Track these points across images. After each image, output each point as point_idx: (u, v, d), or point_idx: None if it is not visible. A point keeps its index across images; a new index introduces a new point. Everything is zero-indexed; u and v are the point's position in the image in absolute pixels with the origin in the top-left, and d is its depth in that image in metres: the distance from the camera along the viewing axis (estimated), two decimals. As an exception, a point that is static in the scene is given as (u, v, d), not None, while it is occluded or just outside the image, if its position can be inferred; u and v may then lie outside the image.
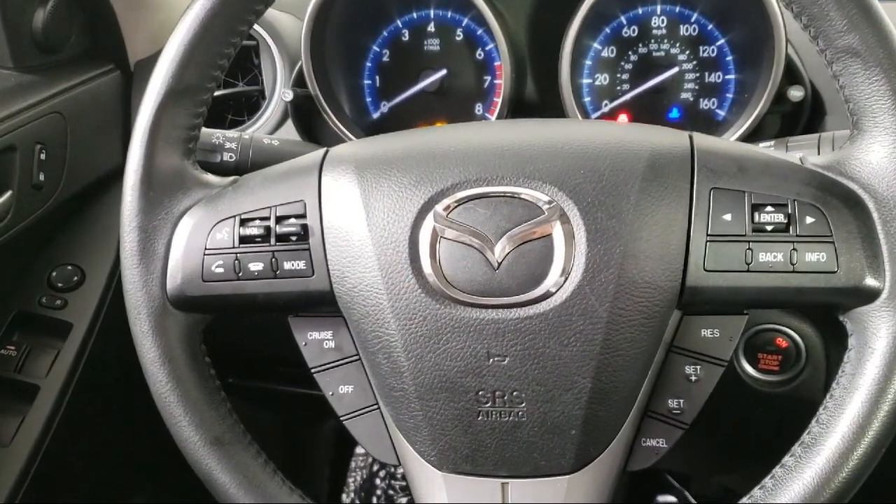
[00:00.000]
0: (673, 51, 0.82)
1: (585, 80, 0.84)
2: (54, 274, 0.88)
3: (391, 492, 1.51)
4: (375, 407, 0.55)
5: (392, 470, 1.51)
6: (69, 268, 0.88)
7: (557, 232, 0.48)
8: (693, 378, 0.52)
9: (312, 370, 0.56)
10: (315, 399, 0.87)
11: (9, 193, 0.77)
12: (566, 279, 0.47)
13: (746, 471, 0.96)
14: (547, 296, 0.48)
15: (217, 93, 0.84)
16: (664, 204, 0.48)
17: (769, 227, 0.48)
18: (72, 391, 0.83)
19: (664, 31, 0.82)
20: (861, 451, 0.47)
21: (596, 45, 0.83)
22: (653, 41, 0.82)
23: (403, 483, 1.53)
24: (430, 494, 0.53)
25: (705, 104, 0.82)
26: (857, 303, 0.48)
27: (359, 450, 1.54)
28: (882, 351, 0.47)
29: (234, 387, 1.07)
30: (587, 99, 0.84)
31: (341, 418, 0.56)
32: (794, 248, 0.47)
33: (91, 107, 0.90)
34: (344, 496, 1.49)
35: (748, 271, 0.48)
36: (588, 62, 0.83)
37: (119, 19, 0.92)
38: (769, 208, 0.48)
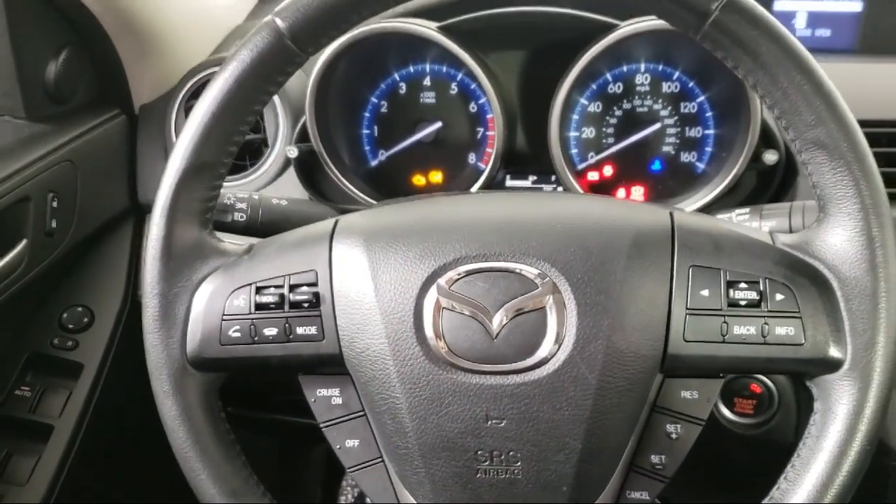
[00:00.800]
0: (655, 106, 0.86)
1: (573, 134, 0.88)
2: (65, 315, 0.91)
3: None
4: (380, 460, 0.58)
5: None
6: (79, 309, 0.91)
7: (550, 305, 0.52)
8: (674, 436, 0.55)
9: (321, 425, 0.59)
10: (306, 426, 0.91)
11: (24, 243, 0.81)
12: (559, 348, 0.51)
13: None
14: (541, 364, 0.51)
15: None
16: (648, 280, 0.52)
17: (743, 303, 0.51)
18: (84, 430, 0.86)
19: (647, 87, 0.86)
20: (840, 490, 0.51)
21: (583, 101, 0.87)
22: (637, 97, 0.87)
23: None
24: None
25: (686, 157, 0.86)
26: (821, 371, 0.51)
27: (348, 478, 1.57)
28: (843, 416, 0.50)
29: (232, 415, 1.10)
30: (574, 151, 0.88)
31: (348, 470, 0.59)
32: (765, 322, 0.51)
33: (99, 152, 0.94)
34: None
35: (723, 342, 0.52)
36: (575, 116, 0.88)
37: (125, 68, 0.95)
38: (743, 285, 0.52)
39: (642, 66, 0.85)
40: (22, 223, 0.81)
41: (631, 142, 0.86)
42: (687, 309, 0.52)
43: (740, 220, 0.64)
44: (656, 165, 0.87)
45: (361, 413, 0.58)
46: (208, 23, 1.06)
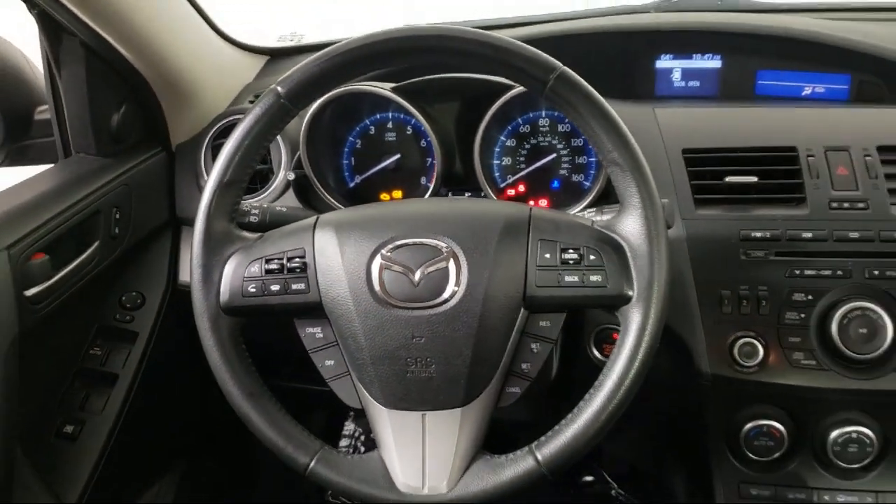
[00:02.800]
0: (553, 141, 1.11)
1: (495, 161, 1.13)
2: (124, 298, 1.14)
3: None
4: (347, 374, 0.80)
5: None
6: (134, 293, 1.15)
7: (451, 265, 0.76)
8: (535, 350, 0.78)
9: (309, 351, 0.81)
10: (307, 393, 1.14)
11: (96, 244, 1.05)
12: (456, 292, 0.75)
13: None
14: (445, 301, 0.75)
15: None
16: (512, 248, 0.76)
17: (570, 262, 0.75)
18: (140, 378, 1.10)
19: (547, 127, 1.11)
20: (621, 396, 0.73)
21: (501, 137, 1.12)
22: (540, 135, 1.11)
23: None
24: (382, 424, 0.78)
25: (576, 178, 1.11)
26: (620, 303, 0.74)
27: (342, 443, 1.81)
28: (634, 330, 0.73)
29: None
30: (497, 174, 1.12)
31: (327, 380, 0.81)
32: (583, 273, 0.75)
33: (147, 179, 1.17)
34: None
35: (559, 286, 0.75)
36: (497, 149, 1.12)
37: (166, 117, 1.19)
38: (570, 251, 0.76)
39: (543, 113, 1.10)
40: (95, 230, 1.06)
41: (536, 167, 1.11)
42: (537, 266, 0.76)
43: (589, 215, 0.91)
44: (555, 184, 1.12)
45: (335, 342, 0.80)
46: (227, 81, 1.29)
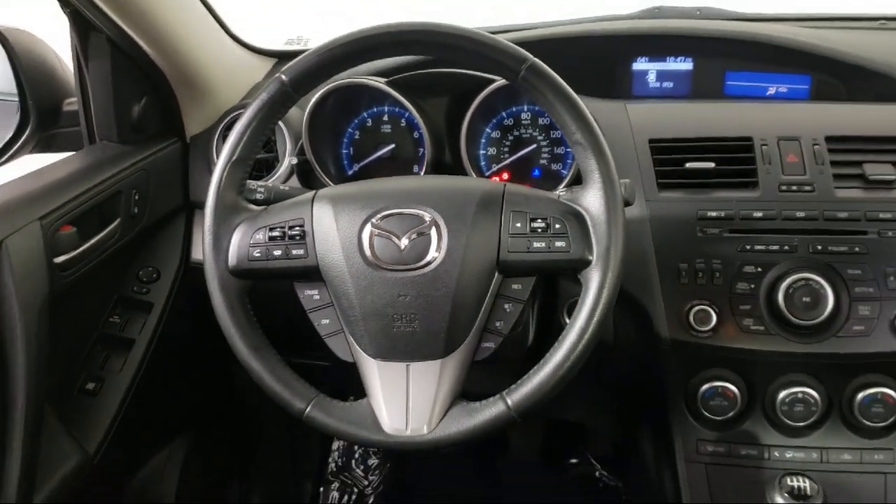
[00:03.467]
0: (534, 133, 1.20)
1: (481, 151, 1.22)
2: (141, 272, 1.23)
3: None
4: (341, 331, 0.88)
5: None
6: (150, 268, 1.24)
7: (433, 232, 0.85)
8: (508, 310, 0.85)
9: (308, 311, 0.88)
10: (308, 368, 1.23)
11: (117, 221, 1.15)
12: (437, 256, 0.84)
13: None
14: (427, 264, 0.84)
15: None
16: (487, 219, 0.84)
17: (538, 230, 0.83)
18: (155, 343, 1.19)
19: (529, 120, 1.20)
20: (583, 345, 0.81)
21: (487, 129, 1.21)
22: (522, 127, 1.21)
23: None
24: (370, 374, 0.86)
25: (555, 167, 1.20)
26: (581, 266, 0.82)
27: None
28: (594, 289, 0.81)
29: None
30: (482, 163, 1.21)
31: (323, 337, 0.88)
32: (549, 240, 0.83)
33: (163, 166, 1.26)
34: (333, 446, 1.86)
35: (528, 252, 0.83)
36: (483, 140, 1.22)
37: (182, 110, 1.28)
38: (538, 220, 0.84)
39: (525, 107, 1.20)
40: (116, 209, 1.15)
41: (518, 156, 1.20)
42: (509, 234, 0.84)
43: (560, 194, 1.00)
44: (536, 172, 1.21)
45: (330, 303, 0.88)
46: (237, 80, 1.38)
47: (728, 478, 1.04)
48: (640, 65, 1.39)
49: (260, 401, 1.57)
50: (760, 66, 1.34)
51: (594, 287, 0.83)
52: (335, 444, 1.89)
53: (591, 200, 0.85)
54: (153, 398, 1.21)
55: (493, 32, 0.87)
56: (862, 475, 1.04)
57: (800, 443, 1.06)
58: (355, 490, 1.84)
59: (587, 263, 0.84)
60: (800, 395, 1.03)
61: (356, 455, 1.88)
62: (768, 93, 1.34)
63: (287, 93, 0.89)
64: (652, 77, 1.40)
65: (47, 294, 0.98)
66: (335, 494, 1.84)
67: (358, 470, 1.86)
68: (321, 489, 1.85)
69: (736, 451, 1.06)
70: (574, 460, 1.83)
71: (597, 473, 1.81)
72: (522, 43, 0.89)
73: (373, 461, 1.87)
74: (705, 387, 1.07)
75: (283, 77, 0.89)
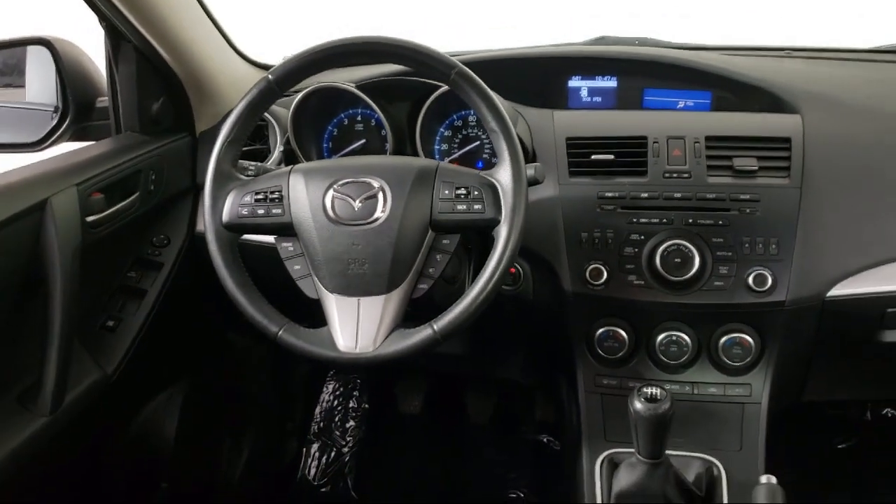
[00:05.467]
0: (478, 132, 1.42)
1: (436, 147, 1.44)
2: (154, 239, 1.46)
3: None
4: (309, 275, 1.06)
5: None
6: (162, 236, 1.46)
7: (380, 196, 1.04)
8: (439, 259, 1.04)
9: (283, 259, 1.07)
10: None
11: (136, 194, 1.37)
12: (383, 214, 1.03)
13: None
14: (375, 220, 1.03)
15: (246, 148, 1.48)
16: (423, 187, 1.03)
17: (461, 196, 1.02)
18: (164, 294, 1.42)
19: (474, 122, 1.42)
20: (493, 283, 0.99)
21: (441, 129, 1.44)
22: (469, 127, 1.43)
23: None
24: (330, 306, 1.03)
25: (494, 160, 1.38)
26: (493, 224, 1.01)
27: (325, 390, 2.13)
28: (502, 241, 0.99)
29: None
30: (437, 157, 1.42)
31: (295, 280, 1.06)
32: (469, 204, 1.02)
33: (176, 155, 1.49)
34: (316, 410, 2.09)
35: (453, 212, 1.02)
36: (437, 137, 1.44)
37: (193, 109, 1.49)
38: (461, 189, 1.02)
39: (472, 111, 1.40)
40: (136, 184, 1.37)
41: (464, 151, 1.43)
42: (439, 199, 1.03)
43: (480, 171, 1.14)
44: (479, 164, 1.43)
45: (301, 253, 1.07)
46: (240, 88, 1.56)
47: (617, 404, 1.26)
48: (574, 82, 1.63)
49: (251, 361, 1.81)
50: (672, 85, 1.57)
51: (502, 239, 1.03)
52: (317, 409, 2.11)
53: (502, 175, 1.07)
54: (160, 338, 1.43)
55: (454, 54, 1.10)
56: (725, 405, 1.26)
57: (676, 378, 1.28)
58: (334, 450, 2.05)
59: (497, 222, 1.04)
60: (674, 338, 1.26)
61: (336, 419, 2.10)
62: (678, 106, 1.58)
63: (273, 89, 1.12)
64: (584, 92, 1.63)
65: (80, 244, 1.21)
66: (316, 453, 2.05)
67: (336, 432, 2.08)
68: (304, 448, 2.06)
69: (625, 384, 1.28)
70: (524, 427, 2.04)
71: (545, 439, 2.02)
72: (479, 62, 1.12)
73: (350, 424, 2.08)
74: (600, 331, 1.29)
75: (270, 76, 1.12)
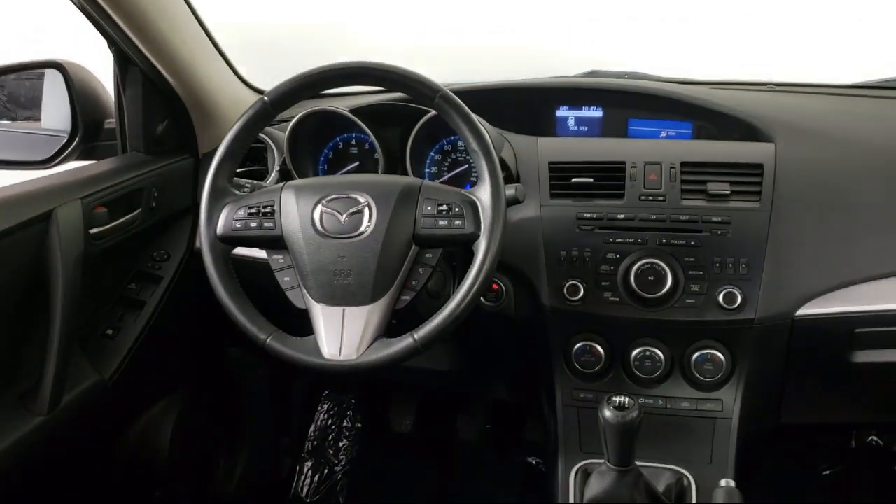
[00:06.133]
0: (466, 156, 1.48)
1: (426, 170, 1.49)
2: (155, 254, 1.51)
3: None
4: (297, 286, 1.11)
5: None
6: (162, 251, 1.52)
7: (366, 211, 1.09)
8: (421, 272, 1.08)
9: (274, 271, 1.12)
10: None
11: (139, 210, 1.43)
12: (367, 228, 1.08)
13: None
14: (361, 234, 1.07)
15: (245, 169, 1.55)
16: (407, 203, 1.08)
17: (444, 212, 1.06)
18: (162, 305, 1.47)
19: (462, 146, 1.48)
20: (472, 295, 1.03)
21: (431, 153, 1.49)
22: (457, 151, 1.48)
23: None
24: (316, 316, 1.07)
25: None
26: (473, 239, 1.05)
27: (319, 409, 2.16)
28: (481, 253, 1.04)
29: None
30: (427, 179, 1.54)
31: (285, 291, 1.11)
32: (451, 220, 1.06)
33: (178, 175, 1.55)
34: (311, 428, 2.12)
35: (435, 228, 1.07)
36: (428, 161, 1.50)
37: (196, 131, 1.55)
38: (444, 205, 1.07)
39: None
40: (139, 201, 1.44)
41: (454, 174, 1.49)
42: (422, 215, 1.08)
43: (462, 189, 1.20)
44: (468, 186, 1.48)
45: (291, 265, 1.12)
46: (241, 108, 1.60)
47: (593, 418, 1.29)
48: (562, 112, 1.69)
49: (249, 377, 1.85)
50: (655, 115, 1.62)
51: (482, 253, 1.08)
52: (312, 428, 2.14)
53: (482, 193, 1.12)
54: (157, 348, 1.48)
55: (449, 84, 1.15)
56: (697, 419, 1.30)
57: (650, 392, 1.32)
58: (327, 468, 2.08)
59: (477, 237, 1.09)
60: (648, 354, 1.30)
61: (329, 438, 2.13)
62: (661, 135, 1.64)
63: (268, 110, 1.18)
64: (571, 122, 1.69)
65: (82, 253, 1.27)
66: (310, 471, 2.08)
67: (330, 451, 2.11)
68: (298, 466, 2.10)
69: (601, 398, 1.31)
70: (513, 449, 2.07)
71: (533, 461, 2.04)
72: (471, 91, 1.17)
73: (343, 443, 2.12)
74: (578, 346, 1.33)
75: (266, 98, 1.19)
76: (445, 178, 1.52)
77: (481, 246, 1.09)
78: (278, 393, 2.01)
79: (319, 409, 2.17)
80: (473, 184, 1.46)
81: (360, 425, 2.13)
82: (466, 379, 1.67)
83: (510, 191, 1.22)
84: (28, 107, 1.63)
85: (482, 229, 1.10)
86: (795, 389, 1.42)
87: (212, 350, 1.75)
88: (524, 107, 1.67)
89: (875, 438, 1.97)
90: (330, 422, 2.15)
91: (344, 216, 1.12)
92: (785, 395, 1.43)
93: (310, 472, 2.08)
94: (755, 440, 1.43)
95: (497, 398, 1.89)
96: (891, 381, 1.37)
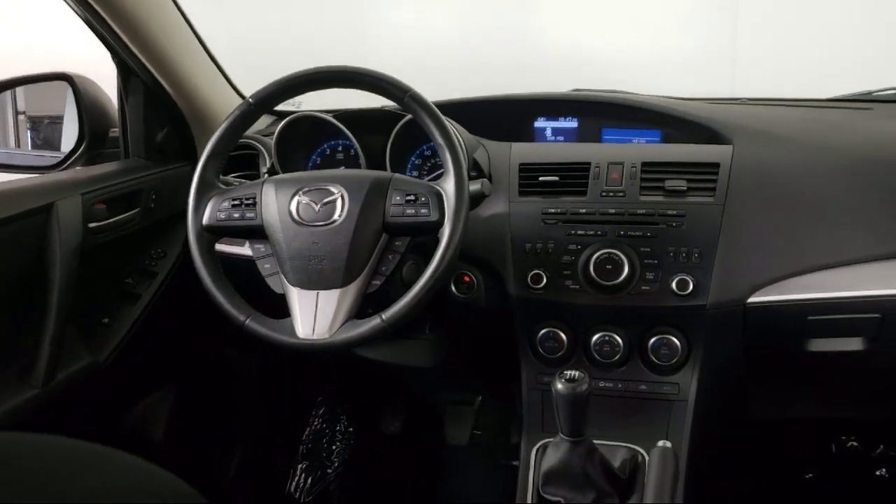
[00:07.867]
0: None
1: (408, 174, 1.62)
2: (152, 251, 1.60)
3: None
4: (276, 272, 1.17)
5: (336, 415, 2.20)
6: (159, 249, 1.61)
7: (339, 201, 1.16)
8: (391, 258, 1.14)
9: (255, 259, 1.19)
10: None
11: (138, 209, 1.52)
12: (340, 216, 1.14)
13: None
14: (333, 222, 1.12)
15: (239, 174, 1.64)
16: (378, 194, 1.13)
17: (411, 202, 1.11)
18: (158, 296, 1.55)
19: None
20: (436, 278, 1.08)
21: (412, 158, 1.57)
22: (436, 156, 1.57)
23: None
24: (292, 298, 1.13)
25: None
26: (438, 227, 1.10)
27: (314, 413, 2.22)
28: (445, 239, 1.09)
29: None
30: None
31: (265, 277, 1.18)
32: (418, 209, 1.12)
33: (176, 181, 1.62)
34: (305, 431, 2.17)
35: (403, 216, 1.12)
36: (409, 165, 1.58)
37: (194, 139, 1.62)
38: (411, 196, 1.12)
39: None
40: (138, 201, 1.52)
41: (432, 177, 1.58)
42: (391, 205, 1.13)
43: (429, 182, 1.21)
44: None
45: (270, 254, 1.18)
46: None
47: None
48: (540, 123, 1.78)
49: (244, 376, 1.92)
50: (627, 124, 1.70)
51: (445, 239, 1.13)
52: (306, 431, 2.20)
53: (447, 184, 1.18)
54: (150, 337, 1.56)
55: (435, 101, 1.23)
56: (654, 401, 1.35)
57: (610, 376, 1.37)
58: (320, 470, 2.13)
59: (441, 224, 1.14)
60: (608, 339, 1.36)
61: (323, 441, 2.18)
62: (633, 142, 1.72)
63: (252, 110, 1.27)
64: (548, 132, 1.77)
65: (79, 244, 1.36)
66: (303, 472, 2.13)
67: (323, 454, 2.16)
68: (292, 468, 2.15)
69: None
70: (499, 453, 2.10)
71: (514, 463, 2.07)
72: (454, 105, 1.26)
73: (336, 447, 2.17)
74: (542, 332, 1.39)
75: (251, 99, 1.28)
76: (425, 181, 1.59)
77: (445, 232, 1.15)
78: (273, 393, 2.07)
79: (314, 413, 2.23)
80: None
81: (352, 429, 2.19)
82: (446, 376, 1.73)
83: (476, 185, 1.30)
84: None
85: (446, 217, 1.16)
86: (757, 381, 1.46)
87: (206, 347, 1.83)
88: (504, 119, 1.76)
89: (854, 443, 1.99)
90: (325, 426, 2.21)
91: (318, 206, 1.19)
92: (747, 386, 1.48)
93: (303, 474, 2.12)
94: (721, 431, 1.47)
95: (483, 404, 1.94)
96: (845, 371, 1.41)
